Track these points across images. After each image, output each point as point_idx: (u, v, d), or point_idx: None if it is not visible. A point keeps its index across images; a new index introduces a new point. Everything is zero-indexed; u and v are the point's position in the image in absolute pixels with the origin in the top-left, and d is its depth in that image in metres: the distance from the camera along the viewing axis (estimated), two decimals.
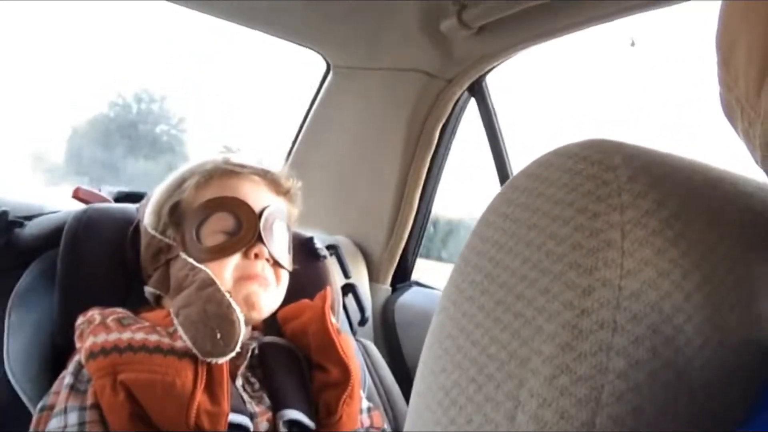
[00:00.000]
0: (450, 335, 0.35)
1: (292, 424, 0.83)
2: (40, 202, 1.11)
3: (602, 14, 1.12)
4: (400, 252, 1.60)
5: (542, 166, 0.35)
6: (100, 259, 0.95)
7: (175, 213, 0.91)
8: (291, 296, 0.97)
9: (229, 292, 0.82)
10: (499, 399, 0.30)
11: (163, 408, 0.73)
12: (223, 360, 0.77)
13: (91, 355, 0.75)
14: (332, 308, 0.99)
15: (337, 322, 1.02)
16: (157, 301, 0.92)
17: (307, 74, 1.72)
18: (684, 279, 0.29)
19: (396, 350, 1.51)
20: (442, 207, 1.70)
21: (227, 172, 0.94)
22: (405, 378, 1.28)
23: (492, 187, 1.50)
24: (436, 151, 1.55)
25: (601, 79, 1.59)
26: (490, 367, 0.31)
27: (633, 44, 1.28)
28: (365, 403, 0.98)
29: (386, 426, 1.01)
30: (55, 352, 0.89)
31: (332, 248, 1.26)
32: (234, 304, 0.80)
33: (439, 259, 1.89)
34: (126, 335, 0.77)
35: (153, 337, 0.77)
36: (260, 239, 0.89)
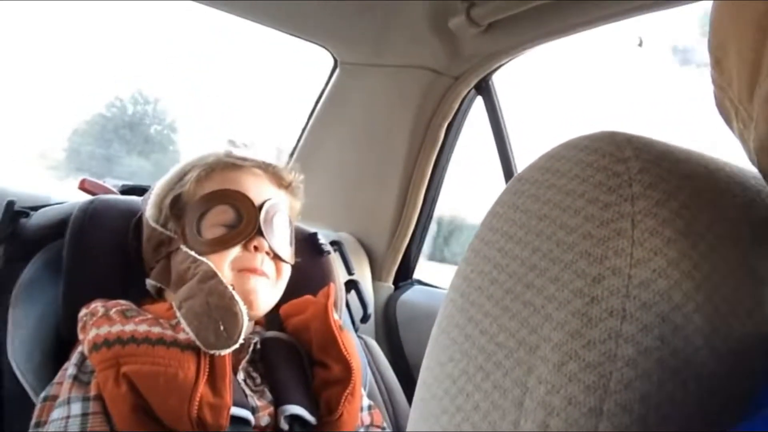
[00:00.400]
0: (458, 325, 0.35)
1: (294, 419, 0.83)
2: (46, 193, 1.11)
3: (610, 14, 1.12)
4: (403, 250, 1.60)
5: (553, 158, 0.35)
6: (104, 251, 0.95)
7: (176, 206, 0.91)
8: (293, 291, 0.97)
9: (231, 285, 0.82)
10: (506, 386, 0.30)
11: (165, 400, 0.73)
12: (226, 352, 0.77)
13: (95, 346, 0.76)
14: (335, 305, 0.99)
15: (339, 318, 1.03)
16: (159, 294, 0.92)
17: (309, 71, 1.72)
18: (694, 268, 0.30)
19: (397, 348, 1.52)
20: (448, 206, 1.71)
21: (228, 165, 0.93)
22: (406, 375, 1.28)
23: (496, 187, 1.50)
24: (441, 149, 1.55)
25: (608, 78, 1.59)
26: (499, 355, 0.31)
27: (641, 44, 1.28)
28: (366, 401, 0.98)
29: (386, 424, 1.01)
30: (59, 343, 0.89)
31: (336, 244, 1.26)
32: (237, 296, 0.80)
33: (443, 260, 1.90)
34: (129, 327, 0.77)
35: (156, 329, 0.78)
36: (260, 232, 0.89)
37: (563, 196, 0.32)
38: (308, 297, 0.97)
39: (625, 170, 0.31)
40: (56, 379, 0.79)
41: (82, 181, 1.13)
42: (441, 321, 0.37)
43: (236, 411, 0.77)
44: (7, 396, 0.84)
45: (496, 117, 1.46)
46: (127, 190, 1.14)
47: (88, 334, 0.78)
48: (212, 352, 0.76)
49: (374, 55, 1.55)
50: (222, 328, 0.77)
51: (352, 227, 1.62)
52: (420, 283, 1.66)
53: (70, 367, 0.78)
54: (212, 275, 0.82)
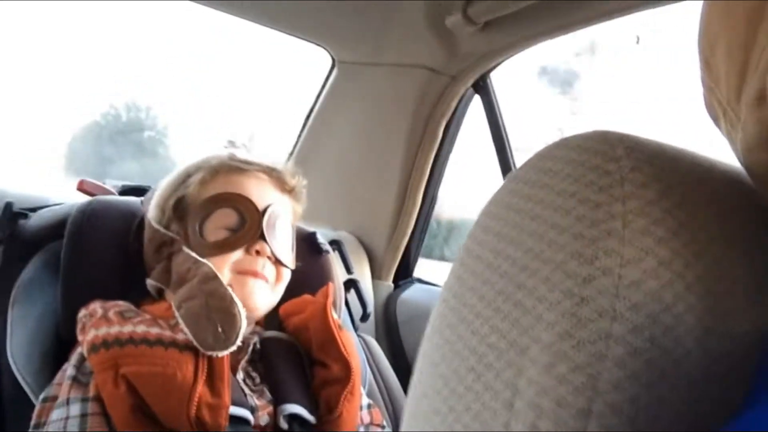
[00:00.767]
0: (450, 325, 0.35)
1: (293, 418, 0.83)
2: (45, 194, 1.12)
3: (607, 11, 1.12)
4: (402, 248, 1.60)
5: (545, 158, 0.35)
6: (103, 251, 0.95)
7: (179, 208, 0.92)
8: (293, 290, 0.97)
9: (230, 286, 0.83)
10: (497, 387, 0.30)
11: (164, 401, 0.74)
12: (224, 353, 0.78)
13: (93, 348, 0.76)
14: (334, 304, 0.99)
15: (338, 317, 1.03)
16: (159, 294, 0.92)
17: (306, 70, 1.73)
18: (685, 268, 0.29)
19: (397, 346, 1.52)
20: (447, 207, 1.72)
21: (232, 168, 0.94)
22: (406, 374, 1.28)
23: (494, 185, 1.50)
24: (440, 148, 1.55)
25: (605, 75, 1.59)
26: (490, 357, 0.31)
27: (638, 41, 1.28)
28: (365, 400, 0.99)
29: (385, 423, 1.01)
30: (58, 344, 0.90)
31: (335, 243, 1.27)
32: (236, 298, 0.80)
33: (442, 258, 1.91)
34: (127, 328, 0.77)
35: (154, 330, 0.78)
36: (262, 236, 0.89)
37: (555, 195, 0.32)
38: (307, 296, 0.98)
39: (617, 169, 0.31)
40: (56, 380, 0.80)
41: (81, 182, 1.13)
42: (434, 321, 0.37)
43: (235, 410, 0.77)
44: (7, 396, 0.85)
45: (494, 115, 1.46)
46: (125, 191, 1.15)
47: (86, 335, 0.78)
48: (210, 353, 0.77)
49: (372, 54, 1.55)
50: (220, 329, 0.77)
51: (351, 226, 1.62)
52: (420, 281, 1.66)
53: (69, 368, 0.79)
54: (213, 277, 0.82)
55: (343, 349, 0.88)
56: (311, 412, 0.84)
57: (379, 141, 1.59)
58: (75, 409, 0.74)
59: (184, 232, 0.90)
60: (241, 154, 0.97)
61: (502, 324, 0.31)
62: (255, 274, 0.88)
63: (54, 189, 1.21)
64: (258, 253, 0.89)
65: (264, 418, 0.82)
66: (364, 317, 1.24)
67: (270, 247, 0.89)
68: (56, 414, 0.74)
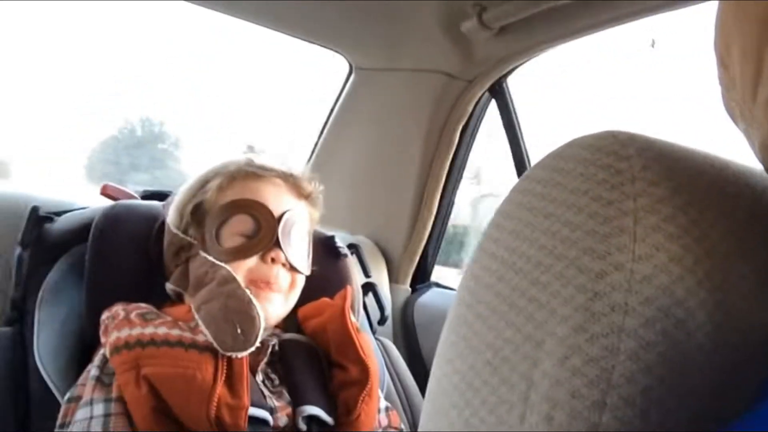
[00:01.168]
0: (467, 322, 0.36)
1: (312, 419, 0.83)
2: (70, 198, 1.14)
3: (622, 15, 1.11)
4: (420, 253, 1.61)
5: (558, 158, 0.35)
6: (126, 255, 0.97)
7: (197, 213, 0.93)
8: (311, 294, 0.98)
9: (249, 288, 0.83)
10: (513, 380, 0.31)
11: (184, 401, 0.75)
12: (243, 355, 0.78)
13: (116, 349, 0.77)
14: (352, 307, 1.00)
15: (356, 320, 1.03)
16: (178, 297, 0.94)
17: (322, 76, 1.75)
18: (696, 264, 0.30)
19: (415, 350, 1.52)
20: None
21: (250, 174, 0.94)
22: (423, 377, 1.28)
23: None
24: (456, 152, 1.56)
25: (621, 79, 1.59)
26: (506, 350, 0.32)
27: (653, 45, 1.28)
28: (383, 403, 0.99)
29: (403, 426, 1.02)
30: (83, 345, 0.91)
31: (353, 247, 1.27)
32: (254, 300, 0.81)
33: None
34: (149, 330, 0.78)
35: (175, 332, 0.79)
36: (278, 243, 0.89)
37: (568, 194, 0.33)
38: (325, 299, 0.98)
39: (628, 168, 0.32)
40: (80, 380, 0.81)
41: (104, 187, 1.14)
42: (451, 319, 0.38)
43: (254, 411, 0.78)
44: (34, 395, 0.87)
45: (510, 119, 1.46)
46: (148, 195, 1.16)
47: (109, 337, 0.79)
48: (229, 354, 0.77)
49: (389, 59, 1.56)
50: (239, 331, 0.78)
51: (368, 230, 1.63)
52: (438, 285, 1.66)
53: (92, 369, 0.80)
54: (231, 279, 0.83)
55: (361, 352, 0.88)
56: (329, 413, 0.85)
57: (397, 145, 1.60)
58: (99, 409, 0.75)
59: (202, 237, 0.91)
60: (259, 159, 0.98)
61: (517, 319, 0.32)
62: (268, 285, 0.89)
63: (78, 193, 1.23)
64: (273, 260, 0.89)
65: (283, 419, 0.82)
66: (382, 320, 1.25)
67: (285, 255, 0.90)
68: (80, 414, 0.76)
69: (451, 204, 1.62)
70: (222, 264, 0.86)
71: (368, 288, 1.26)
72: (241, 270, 0.87)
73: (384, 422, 0.96)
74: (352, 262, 1.17)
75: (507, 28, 1.28)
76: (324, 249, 1.10)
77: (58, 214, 1.04)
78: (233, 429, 0.75)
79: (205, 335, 0.78)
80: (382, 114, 1.63)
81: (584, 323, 0.29)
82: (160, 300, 0.93)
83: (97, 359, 0.81)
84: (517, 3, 1.18)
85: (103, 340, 0.81)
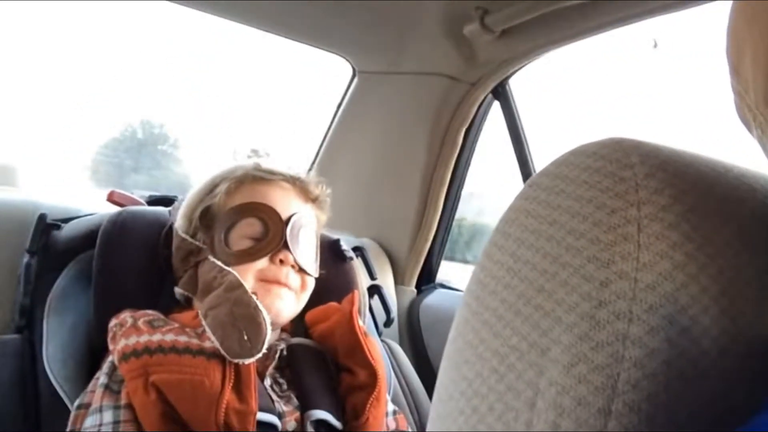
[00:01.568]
0: (473, 328, 0.36)
1: (320, 424, 0.84)
2: (77, 205, 1.14)
3: (624, 17, 1.11)
4: (425, 254, 1.61)
5: (562, 165, 0.36)
6: (133, 261, 0.97)
7: (205, 217, 0.93)
8: (318, 297, 0.99)
9: (255, 294, 0.84)
10: (519, 388, 0.31)
11: (192, 407, 0.75)
12: (250, 360, 0.78)
13: (124, 357, 0.78)
14: (359, 311, 1.00)
15: (363, 323, 1.04)
16: (188, 302, 0.94)
17: (324, 80, 1.76)
18: (700, 271, 0.30)
19: (421, 351, 1.52)
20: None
21: (257, 178, 0.95)
22: (430, 378, 1.28)
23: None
24: (460, 154, 1.56)
25: (623, 80, 1.59)
26: (511, 358, 0.32)
27: (655, 46, 1.28)
28: (391, 407, 0.99)
29: (410, 428, 1.02)
30: (92, 352, 0.92)
31: (358, 250, 1.27)
32: (261, 306, 0.81)
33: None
34: (156, 337, 0.79)
35: (182, 339, 0.79)
36: (286, 246, 0.90)
37: (572, 201, 0.33)
38: (333, 304, 0.99)
39: (632, 176, 0.32)
40: (89, 387, 0.81)
41: (111, 193, 1.15)
42: (457, 324, 0.38)
43: (263, 416, 0.78)
44: (44, 402, 0.87)
45: (513, 121, 1.46)
46: (154, 201, 1.17)
47: (117, 344, 0.80)
48: (236, 360, 0.78)
49: (392, 63, 1.56)
50: (246, 337, 0.78)
51: (373, 233, 1.63)
52: (443, 286, 1.66)
53: (101, 377, 0.80)
54: (238, 285, 0.83)
55: (369, 356, 0.89)
56: (338, 418, 0.85)
57: (400, 148, 1.60)
58: (108, 416, 0.76)
59: (210, 241, 0.91)
60: (266, 164, 0.99)
61: (522, 326, 0.32)
62: (279, 283, 0.90)
63: (85, 199, 1.24)
64: (282, 262, 0.90)
65: (291, 424, 0.83)
66: (388, 323, 1.25)
67: (293, 256, 0.90)
68: (89, 421, 0.76)
69: (455, 206, 1.62)
70: (230, 269, 0.86)
71: (374, 290, 1.26)
72: (250, 271, 0.88)
73: (392, 425, 0.97)
74: (357, 264, 1.18)
75: (509, 31, 1.28)
76: (330, 252, 1.11)
77: (65, 221, 1.05)
78: None
79: (212, 341, 0.79)
80: (386, 117, 1.63)
81: (589, 331, 0.29)
82: (168, 306, 0.93)
83: (105, 366, 0.82)
84: (519, 6, 1.18)
85: (111, 347, 0.82)
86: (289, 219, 0.92)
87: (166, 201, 1.14)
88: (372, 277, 1.31)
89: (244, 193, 0.93)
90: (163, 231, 1.00)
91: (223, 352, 0.77)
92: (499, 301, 0.35)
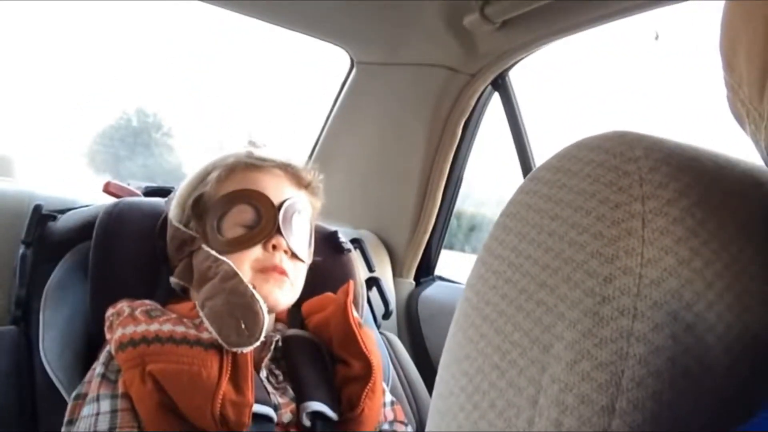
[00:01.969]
0: (473, 324, 0.36)
1: (316, 415, 0.83)
2: (73, 195, 1.14)
3: (625, 8, 1.11)
4: (423, 246, 1.61)
5: (564, 159, 0.35)
6: (130, 252, 0.97)
7: (198, 206, 0.93)
8: (315, 289, 0.98)
9: (252, 285, 0.84)
10: (521, 384, 0.31)
11: (189, 398, 0.75)
12: (247, 349, 0.78)
13: (121, 346, 0.77)
14: (356, 302, 1.00)
15: (360, 315, 1.03)
16: (184, 291, 0.94)
17: (322, 69, 1.76)
18: (705, 267, 0.30)
19: (419, 343, 1.52)
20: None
21: (249, 165, 0.95)
22: (428, 371, 1.29)
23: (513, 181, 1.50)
24: (459, 146, 1.55)
25: (625, 72, 1.58)
26: (513, 354, 0.32)
27: (657, 37, 1.27)
28: (389, 397, 0.99)
29: (408, 420, 1.02)
30: (88, 342, 0.91)
31: (356, 242, 1.27)
32: (257, 295, 0.81)
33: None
34: (153, 327, 0.79)
35: (179, 329, 0.79)
36: (279, 231, 0.90)
37: (575, 195, 0.33)
38: (328, 294, 0.98)
39: (636, 169, 0.31)
40: (86, 378, 0.81)
41: (107, 184, 1.14)
42: (457, 319, 0.38)
43: (259, 408, 0.78)
44: (41, 393, 0.87)
45: (513, 113, 1.45)
46: (150, 192, 1.16)
47: (114, 334, 0.79)
48: (234, 349, 0.78)
49: (391, 54, 1.55)
50: (243, 326, 0.78)
51: (372, 225, 1.63)
52: (441, 279, 1.66)
53: (98, 366, 0.80)
54: (233, 275, 0.83)
55: (363, 347, 0.88)
56: (333, 409, 0.85)
57: (399, 140, 1.60)
58: (105, 406, 0.76)
59: (203, 229, 0.91)
60: (258, 151, 0.98)
61: (524, 322, 0.32)
62: (275, 269, 0.89)
63: (81, 190, 1.24)
64: (274, 248, 0.90)
65: (287, 416, 0.83)
66: (387, 315, 1.25)
67: (286, 242, 0.90)
68: (86, 410, 0.76)
69: (454, 197, 1.62)
70: (224, 259, 0.86)
71: (372, 282, 1.26)
72: (246, 261, 0.88)
73: (390, 416, 0.97)
74: (355, 256, 1.17)
75: (510, 22, 1.27)
76: (327, 244, 1.11)
77: (61, 212, 1.04)
78: (237, 426, 0.75)
79: (209, 332, 0.79)
80: (385, 109, 1.62)
81: (593, 327, 0.29)
82: (165, 296, 0.93)
83: (102, 356, 0.82)
84: None
85: (108, 336, 0.82)
86: (281, 205, 0.91)
87: (163, 192, 1.14)
88: (370, 269, 1.31)
89: (235, 181, 0.93)
90: (159, 222, 1.00)
91: (221, 341, 0.77)
92: (500, 296, 0.34)
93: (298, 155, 1.02)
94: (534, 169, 0.37)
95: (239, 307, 0.80)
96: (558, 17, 1.20)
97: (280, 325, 0.96)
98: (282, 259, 0.90)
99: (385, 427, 0.94)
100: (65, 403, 0.80)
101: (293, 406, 0.84)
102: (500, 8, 1.23)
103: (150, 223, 1.00)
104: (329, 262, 1.06)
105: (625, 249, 0.30)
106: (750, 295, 0.31)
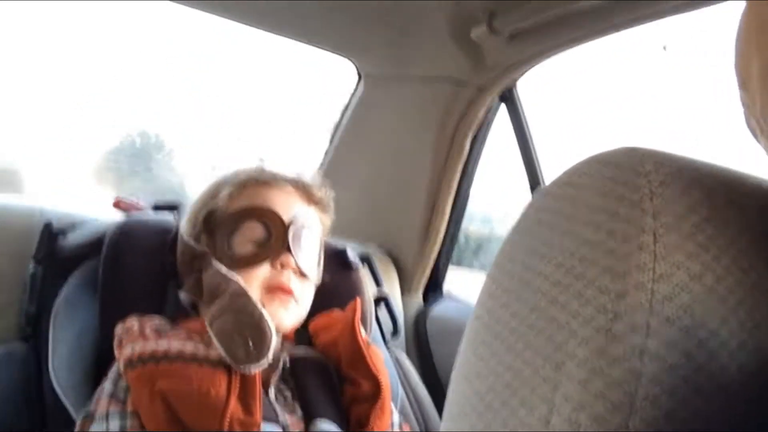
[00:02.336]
0: (484, 342, 0.35)
1: None
2: (83, 211, 1.14)
3: (632, 19, 1.11)
4: (432, 262, 1.60)
5: (575, 174, 0.35)
6: (139, 267, 0.97)
7: (209, 221, 0.93)
8: (324, 306, 0.98)
9: (261, 303, 0.84)
10: (534, 403, 0.31)
11: (198, 417, 0.75)
12: (255, 369, 0.78)
13: (130, 363, 0.78)
14: (363, 320, 0.99)
15: (368, 333, 1.03)
16: (193, 307, 0.94)
17: (330, 82, 1.77)
18: (717, 282, 0.30)
19: (428, 361, 1.51)
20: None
21: (259, 181, 0.95)
22: (437, 389, 1.28)
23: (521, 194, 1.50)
24: (467, 159, 1.55)
25: (633, 83, 1.58)
26: (525, 372, 0.31)
27: (665, 48, 1.27)
28: (397, 416, 0.98)
29: None
30: (98, 359, 0.92)
31: (365, 259, 1.27)
32: (266, 314, 0.81)
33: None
34: (162, 344, 0.79)
35: (189, 347, 0.79)
36: (288, 249, 0.90)
37: (585, 210, 0.33)
38: (336, 312, 0.98)
39: (646, 184, 0.31)
40: (95, 395, 0.81)
41: (117, 200, 1.15)
42: (468, 337, 0.38)
43: (267, 427, 0.78)
44: (50, 410, 0.87)
45: (520, 125, 1.45)
46: (159, 207, 1.17)
47: (123, 351, 0.80)
48: (242, 369, 0.78)
49: (398, 67, 1.56)
50: (251, 345, 0.78)
51: (380, 240, 1.62)
52: (450, 296, 1.65)
53: (107, 384, 0.81)
54: (242, 293, 0.83)
55: (372, 366, 0.88)
56: (342, 428, 0.85)
57: (407, 153, 1.60)
58: (114, 424, 0.76)
59: (214, 245, 0.91)
60: (269, 167, 0.99)
61: (536, 340, 0.32)
62: (283, 289, 0.89)
63: (90, 206, 1.24)
64: (282, 266, 0.90)
65: None
66: (395, 332, 1.25)
67: (295, 260, 0.90)
68: (95, 428, 0.76)
69: (462, 212, 1.61)
70: (234, 277, 0.86)
71: (380, 300, 1.26)
72: (255, 280, 0.88)
73: None
74: (364, 273, 1.17)
75: (517, 34, 1.27)
76: (336, 261, 1.11)
77: (72, 227, 1.05)
78: None
79: (218, 350, 0.79)
80: (392, 122, 1.63)
81: (605, 345, 0.29)
82: (174, 313, 0.93)
83: (111, 374, 0.82)
84: (527, 9, 1.17)
85: (117, 353, 0.82)
86: (291, 222, 0.91)
87: (171, 207, 1.14)
88: (379, 286, 1.31)
89: (246, 197, 0.93)
90: (168, 237, 1.00)
91: (229, 360, 0.77)
92: (510, 313, 0.34)
93: (309, 171, 1.03)
94: (544, 185, 0.37)
95: (247, 326, 0.80)
96: (566, 29, 1.20)
97: (287, 344, 0.96)
98: (290, 278, 0.90)
99: None
100: (73, 422, 0.80)
101: (302, 425, 0.84)
102: (508, 21, 1.23)
103: (158, 239, 1.00)
104: (337, 279, 1.06)
105: (637, 264, 0.29)
106: (762, 311, 0.30)
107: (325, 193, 1.01)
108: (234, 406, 0.76)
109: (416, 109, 1.56)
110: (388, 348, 1.21)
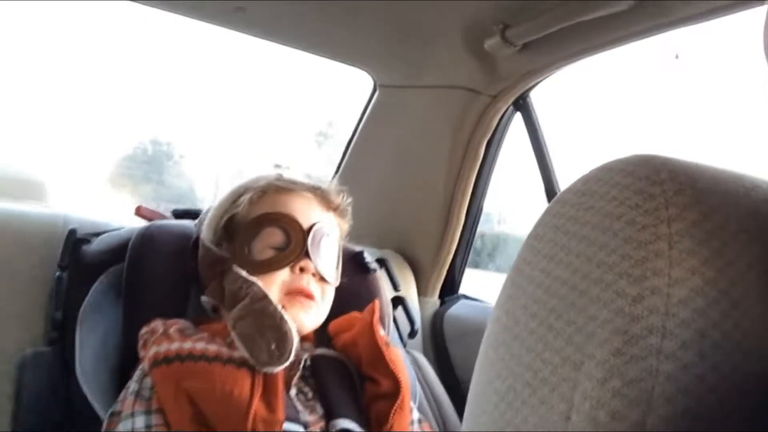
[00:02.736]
0: (504, 342, 0.37)
1: None
2: (106, 219, 1.17)
3: (644, 29, 1.11)
4: (447, 266, 1.61)
5: (591, 182, 0.36)
6: (162, 273, 0.99)
7: (230, 227, 0.95)
8: (342, 309, 0.99)
9: (282, 306, 0.85)
10: (553, 401, 0.32)
11: (222, 415, 0.76)
12: (278, 369, 0.80)
13: (155, 363, 0.79)
14: (382, 321, 1.01)
15: (386, 334, 1.04)
16: (215, 311, 0.96)
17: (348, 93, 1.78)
18: (731, 287, 0.31)
19: (445, 361, 1.52)
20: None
21: (279, 188, 0.97)
22: (454, 388, 1.29)
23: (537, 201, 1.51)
24: (482, 166, 1.55)
25: (646, 91, 1.58)
26: (545, 372, 0.33)
27: (677, 57, 1.27)
28: (416, 414, 0.99)
29: None
30: (123, 361, 0.93)
31: (381, 262, 1.28)
32: (286, 316, 0.83)
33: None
34: (187, 345, 0.81)
35: (212, 347, 0.81)
36: (307, 254, 0.92)
37: (602, 217, 0.34)
38: (355, 313, 0.99)
39: (661, 192, 0.32)
40: (121, 396, 0.83)
41: (138, 208, 1.17)
42: (488, 338, 0.39)
43: (288, 426, 0.79)
44: (77, 412, 0.89)
45: (535, 133, 1.46)
46: (180, 214, 1.19)
47: (148, 351, 0.81)
48: (265, 369, 0.79)
49: (413, 77, 1.57)
50: (274, 346, 0.80)
51: (396, 244, 1.64)
52: (466, 297, 1.66)
53: (132, 384, 0.82)
54: (263, 296, 0.85)
55: (391, 365, 0.89)
56: (362, 426, 0.86)
57: (422, 161, 1.61)
58: (140, 422, 0.77)
59: (234, 250, 0.93)
60: (288, 174, 1.01)
61: (555, 341, 0.33)
62: (302, 293, 0.91)
63: (113, 213, 1.27)
64: (302, 270, 0.91)
65: None
66: (412, 334, 1.25)
67: (314, 265, 0.92)
68: (122, 427, 0.77)
69: (477, 218, 1.62)
70: (254, 280, 0.87)
71: (398, 301, 1.27)
72: (275, 284, 0.90)
73: None
74: (381, 276, 1.18)
75: (530, 44, 1.28)
76: (353, 264, 1.12)
77: (95, 235, 1.07)
78: None
79: (241, 351, 0.80)
80: (407, 130, 1.64)
81: (623, 346, 0.30)
82: (196, 317, 0.95)
83: (136, 375, 0.84)
84: (540, 20, 1.18)
85: (141, 354, 0.84)
86: (310, 228, 0.93)
87: (192, 214, 1.16)
88: (396, 288, 1.32)
89: (266, 203, 0.95)
90: (189, 242, 1.02)
91: (252, 361, 0.79)
92: (529, 315, 0.35)
93: (327, 178, 1.05)
94: (561, 192, 0.38)
95: (269, 328, 0.81)
96: (579, 39, 1.21)
97: (307, 345, 0.97)
98: (309, 282, 0.92)
99: None
100: (100, 422, 0.82)
101: (322, 423, 0.85)
102: (521, 31, 1.23)
103: (180, 244, 1.02)
104: (355, 282, 1.07)
105: (653, 269, 0.30)
106: None
107: (343, 199, 1.03)
108: (257, 405, 0.77)
109: (431, 117, 1.58)
110: (405, 349, 1.22)
